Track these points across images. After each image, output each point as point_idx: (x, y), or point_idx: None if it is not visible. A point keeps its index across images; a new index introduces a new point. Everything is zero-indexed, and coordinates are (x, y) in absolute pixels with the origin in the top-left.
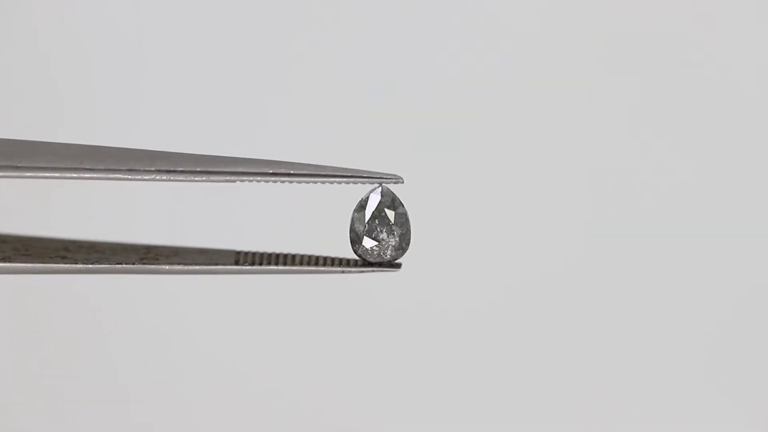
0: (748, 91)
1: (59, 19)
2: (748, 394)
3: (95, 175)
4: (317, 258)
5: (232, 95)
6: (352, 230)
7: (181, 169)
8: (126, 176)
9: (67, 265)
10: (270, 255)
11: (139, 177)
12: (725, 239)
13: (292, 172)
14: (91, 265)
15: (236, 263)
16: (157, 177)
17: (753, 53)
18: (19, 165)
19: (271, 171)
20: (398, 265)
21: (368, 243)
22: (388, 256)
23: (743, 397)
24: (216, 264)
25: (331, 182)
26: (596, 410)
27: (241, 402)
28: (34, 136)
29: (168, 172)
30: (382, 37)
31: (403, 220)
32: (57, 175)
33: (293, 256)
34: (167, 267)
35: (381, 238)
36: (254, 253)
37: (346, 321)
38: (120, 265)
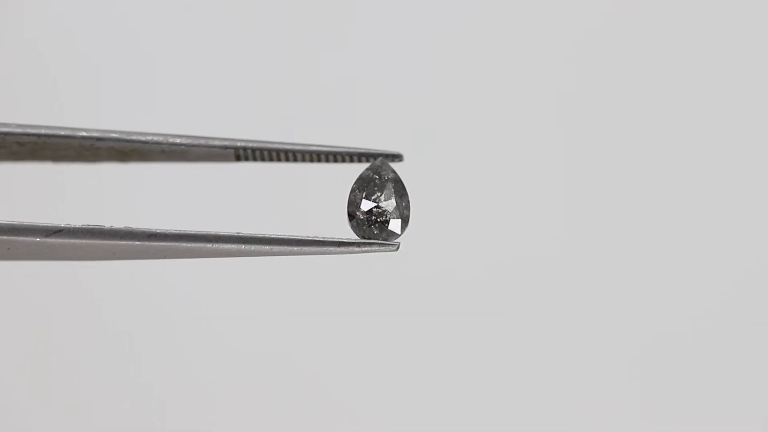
0: (742, 89)
1: (58, 18)
2: (743, 391)
3: (107, 144)
4: (315, 237)
5: (230, 92)
6: (350, 201)
7: (184, 142)
8: (137, 142)
9: (62, 240)
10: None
11: (150, 141)
12: (718, 235)
13: (293, 149)
14: (86, 241)
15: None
16: (161, 143)
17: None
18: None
19: (274, 147)
20: (396, 245)
21: (366, 206)
22: (389, 220)
23: (739, 393)
24: (214, 242)
25: (334, 159)
26: (587, 400)
27: (241, 383)
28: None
29: (172, 144)
30: (382, 31)
31: (402, 192)
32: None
33: (290, 237)
34: (167, 245)
35: (380, 201)
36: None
37: (342, 300)
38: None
